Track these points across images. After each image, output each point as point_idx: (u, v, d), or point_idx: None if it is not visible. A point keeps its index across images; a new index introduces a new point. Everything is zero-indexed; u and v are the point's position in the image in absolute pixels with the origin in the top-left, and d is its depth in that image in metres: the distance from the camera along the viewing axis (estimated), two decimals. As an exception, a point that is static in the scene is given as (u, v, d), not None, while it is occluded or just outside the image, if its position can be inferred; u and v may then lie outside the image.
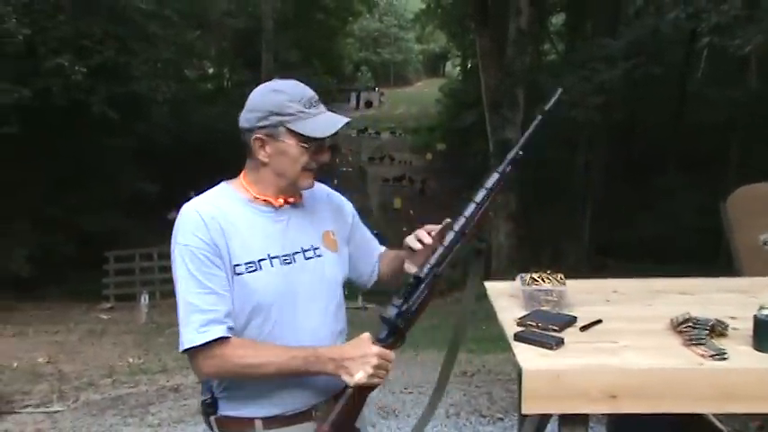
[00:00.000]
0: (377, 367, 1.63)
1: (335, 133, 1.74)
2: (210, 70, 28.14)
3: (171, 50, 17.92)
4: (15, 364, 7.08)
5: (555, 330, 1.91)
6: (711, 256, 12.43)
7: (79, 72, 13.11)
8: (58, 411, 5.50)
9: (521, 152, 1.83)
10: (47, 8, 13.50)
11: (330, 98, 38.61)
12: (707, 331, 1.84)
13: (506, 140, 16.22)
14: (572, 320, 2.01)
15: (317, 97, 1.77)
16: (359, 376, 1.63)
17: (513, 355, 1.77)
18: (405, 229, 24.32)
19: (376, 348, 1.65)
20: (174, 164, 18.50)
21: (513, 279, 2.40)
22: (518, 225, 16.68)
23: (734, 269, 3.62)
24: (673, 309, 2.03)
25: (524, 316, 2.03)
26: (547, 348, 1.79)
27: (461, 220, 1.73)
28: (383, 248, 2.14)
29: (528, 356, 1.72)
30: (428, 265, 1.71)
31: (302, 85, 1.79)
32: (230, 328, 1.68)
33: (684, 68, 18.25)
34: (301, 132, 1.71)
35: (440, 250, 1.72)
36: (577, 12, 23.35)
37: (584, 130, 17.56)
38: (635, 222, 17.07)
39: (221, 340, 1.65)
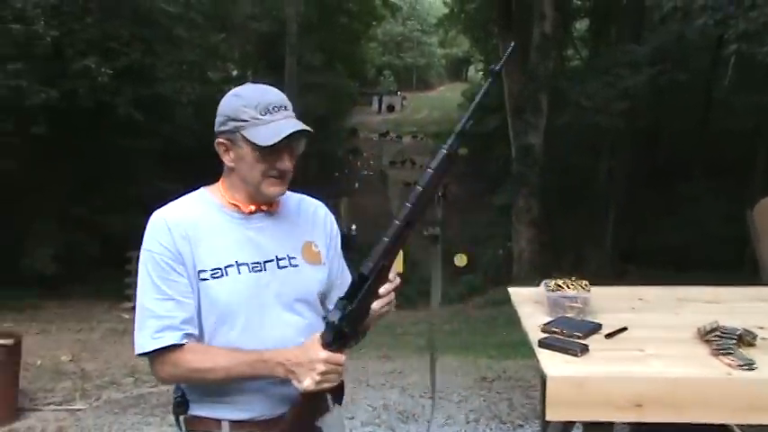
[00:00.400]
0: (324, 373, 1.58)
1: (281, 141, 1.65)
2: (234, 72, 28.23)
3: (195, 53, 18.05)
4: (39, 362, 7.14)
5: (579, 337, 1.90)
6: (736, 265, 12.28)
7: (105, 74, 13.24)
8: (81, 409, 5.55)
9: (471, 121, 1.71)
10: (75, 10, 13.65)
11: (352, 102, 38.65)
12: (735, 341, 1.82)
13: (529, 145, 16.18)
14: (597, 327, 2.00)
15: (279, 103, 1.71)
16: (306, 383, 1.58)
17: (538, 361, 1.76)
18: (425, 232, 24.22)
19: (324, 354, 1.58)
20: (198, 165, 18.55)
21: (535, 285, 2.38)
22: (540, 231, 16.60)
23: (760, 278, 3.57)
24: (699, 317, 2.01)
25: (549, 322, 2.01)
26: (571, 355, 1.77)
27: (406, 209, 1.61)
28: None
29: (552, 363, 1.71)
30: (372, 262, 1.60)
31: (266, 90, 1.75)
32: (188, 335, 1.67)
33: (711, 75, 18.05)
34: (250, 139, 1.67)
35: (384, 242, 1.60)
36: (601, 17, 23.22)
37: (608, 137, 17.44)
38: (658, 229, 16.91)
39: (175, 346, 1.65)
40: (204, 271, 1.69)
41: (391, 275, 1.64)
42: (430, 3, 59.69)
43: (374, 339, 9.14)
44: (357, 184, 29.48)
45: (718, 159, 18.01)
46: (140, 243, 1.72)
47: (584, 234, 18.00)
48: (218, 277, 1.69)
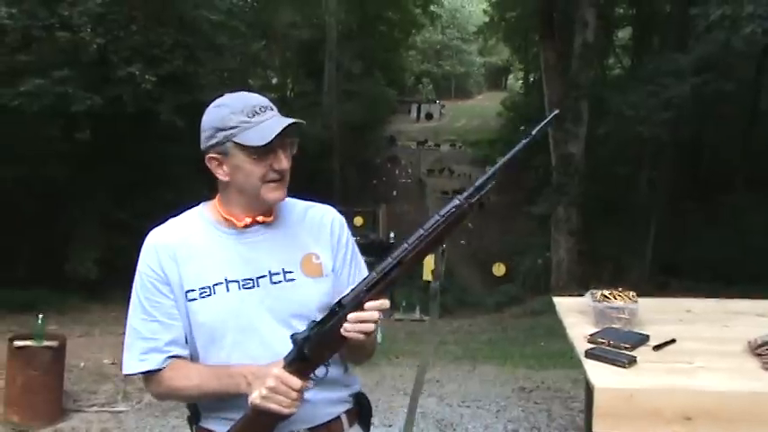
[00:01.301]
0: (272, 390, 1.51)
1: (273, 141, 1.61)
2: (274, 80, 28.52)
3: (237, 60, 18.26)
4: (82, 364, 7.26)
5: (627, 348, 1.87)
6: (782, 279, 11.99)
7: (149, 81, 13.42)
8: (123, 411, 5.64)
9: (493, 181, 1.64)
10: (120, 18, 13.90)
11: (391, 110, 38.77)
12: (788, 355, 1.78)
13: (569, 155, 16.04)
14: (644, 339, 1.97)
15: (264, 104, 1.67)
16: (253, 395, 1.53)
17: (585, 371, 1.74)
18: (462, 242, 24.18)
19: (277, 370, 1.53)
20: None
21: (573, 294, 2.36)
22: (579, 241, 16.43)
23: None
24: (750, 330, 1.97)
25: (595, 333, 1.99)
26: (619, 366, 1.75)
27: (402, 247, 1.54)
28: None
29: (600, 374, 1.69)
30: (354, 292, 1.54)
31: (248, 94, 1.73)
32: (172, 357, 1.68)
33: (757, 85, 17.71)
34: (243, 143, 1.63)
35: (371, 276, 1.54)
36: (645, 26, 22.95)
37: (650, 147, 17.19)
38: (700, 241, 16.60)
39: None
40: (192, 290, 1.68)
41: (369, 306, 1.52)
42: (470, 11, 59.52)
43: (412, 348, 9.12)
44: (395, 192, 29.44)
45: (763, 170, 17.63)
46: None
47: (624, 245, 17.74)
48: (206, 296, 1.67)
